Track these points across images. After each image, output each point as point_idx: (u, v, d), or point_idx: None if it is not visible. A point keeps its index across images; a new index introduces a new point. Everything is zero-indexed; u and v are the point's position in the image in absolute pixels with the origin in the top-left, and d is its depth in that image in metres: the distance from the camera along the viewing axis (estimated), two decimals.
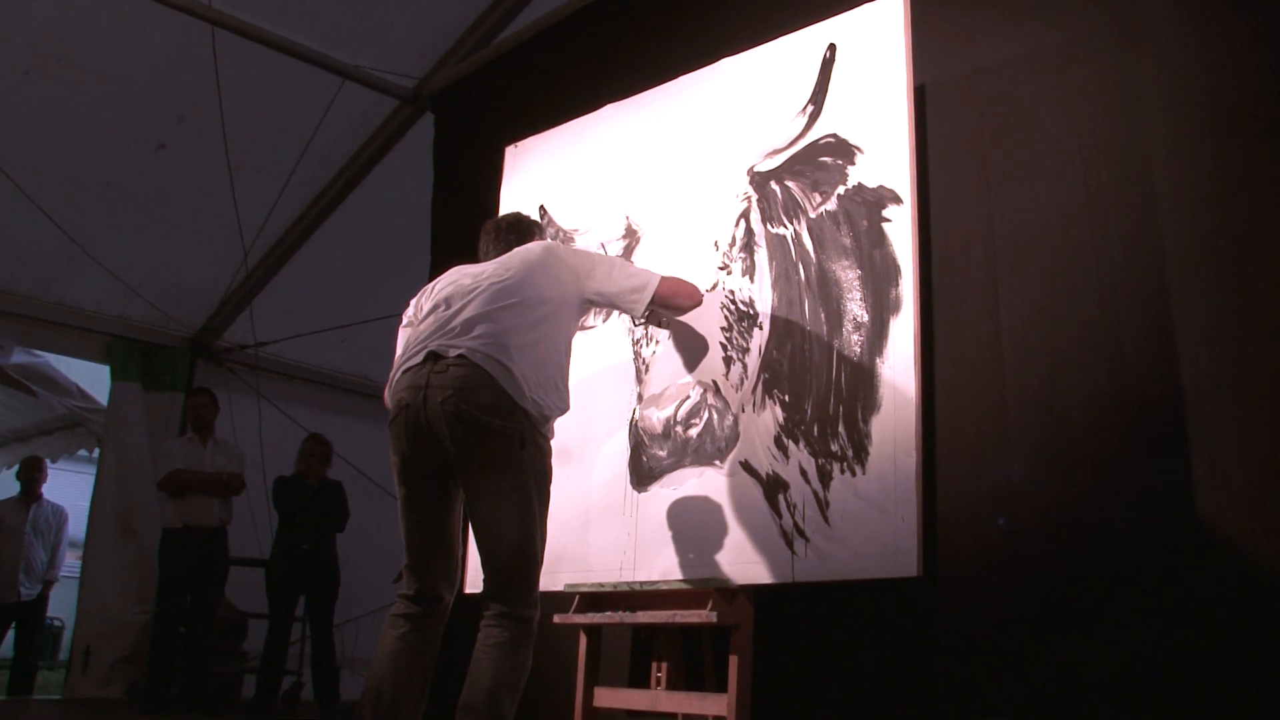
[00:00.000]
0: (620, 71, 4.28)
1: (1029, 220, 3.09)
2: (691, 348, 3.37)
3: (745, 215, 3.37)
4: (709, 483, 3.24)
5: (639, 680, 3.46)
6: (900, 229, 3.00)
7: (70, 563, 7.94)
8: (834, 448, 2.98)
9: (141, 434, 7.26)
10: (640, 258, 3.59)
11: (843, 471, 2.94)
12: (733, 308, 3.31)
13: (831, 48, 3.28)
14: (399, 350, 3.04)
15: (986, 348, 3.08)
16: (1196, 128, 2.83)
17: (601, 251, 3.65)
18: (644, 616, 3.11)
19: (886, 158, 3.07)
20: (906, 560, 2.75)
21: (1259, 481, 2.56)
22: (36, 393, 7.47)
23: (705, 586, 3.02)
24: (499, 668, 2.66)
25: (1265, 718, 2.46)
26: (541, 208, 4.03)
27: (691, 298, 3.27)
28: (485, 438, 2.72)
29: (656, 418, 3.38)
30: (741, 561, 3.07)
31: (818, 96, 3.27)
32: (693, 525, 3.23)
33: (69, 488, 8.91)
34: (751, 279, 3.31)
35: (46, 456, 8.08)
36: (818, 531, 2.95)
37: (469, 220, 3.98)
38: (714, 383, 3.30)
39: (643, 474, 3.40)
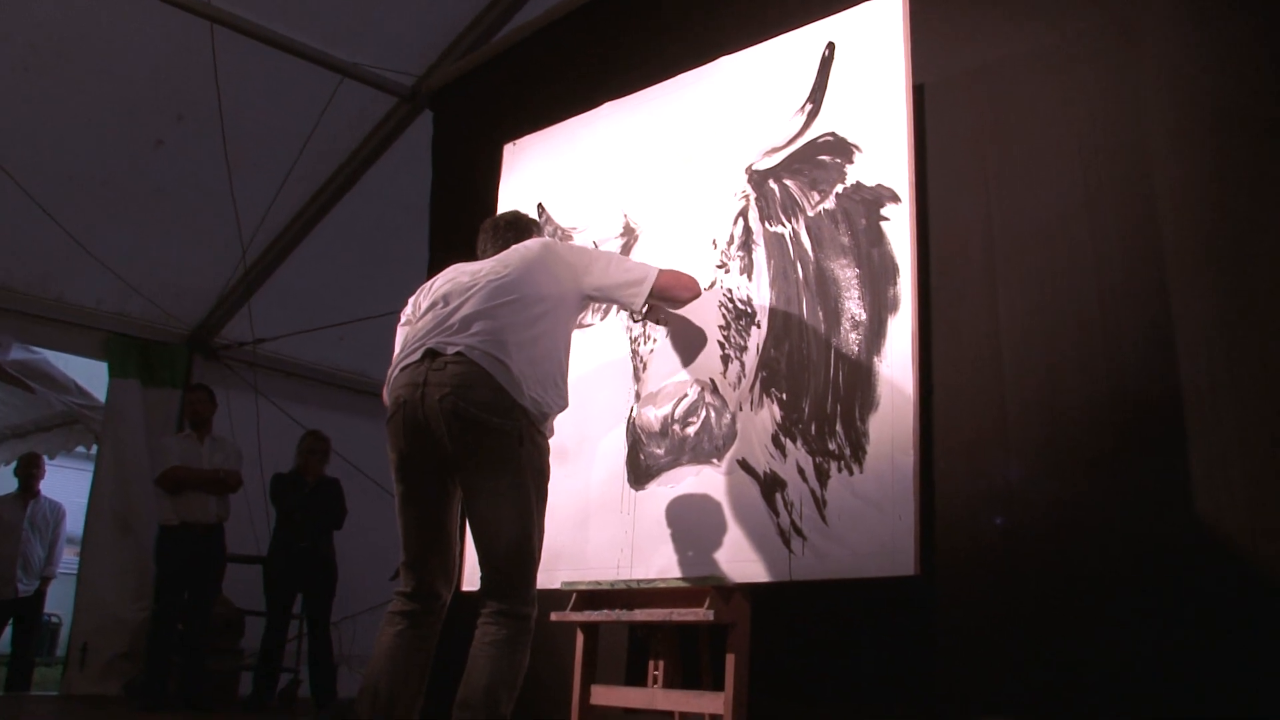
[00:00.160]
0: (619, 70, 4.28)
1: (1028, 219, 3.09)
2: (689, 346, 3.37)
3: (743, 213, 3.36)
4: (706, 481, 3.24)
5: (636, 678, 3.45)
6: (899, 228, 3.00)
7: (68, 559, 7.94)
8: (831, 446, 2.98)
9: (139, 431, 7.26)
10: (638, 256, 3.58)
11: (840, 470, 2.94)
12: (731, 306, 3.31)
13: (830, 46, 3.27)
14: (397, 348, 3.04)
15: (985, 347, 3.08)
16: (1196, 127, 2.83)
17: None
18: (641, 614, 3.11)
19: (885, 156, 3.07)
20: (904, 559, 2.74)
21: (1258, 481, 2.56)
22: (35, 389, 7.48)
23: (702, 585, 3.01)
24: (496, 665, 2.66)
25: (1264, 717, 2.46)
26: (540, 206, 4.02)
27: (690, 289, 3.26)
28: (483, 435, 2.72)
29: (654, 416, 3.37)
30: (739, 560, 3.07)
31: (816, 95, 3.27)
32: (690, 523, 3.23)
33: (67, 484, 8.92)
34: (749, 277, 3.31)
35: (44, 453, 8.09)
36: (815, 530, 2.94)
37: (467, 218, 3.98)
38: (711, 381, 3.29)
39: (640, 472, 3.40)
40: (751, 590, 3.02)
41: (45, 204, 6.12)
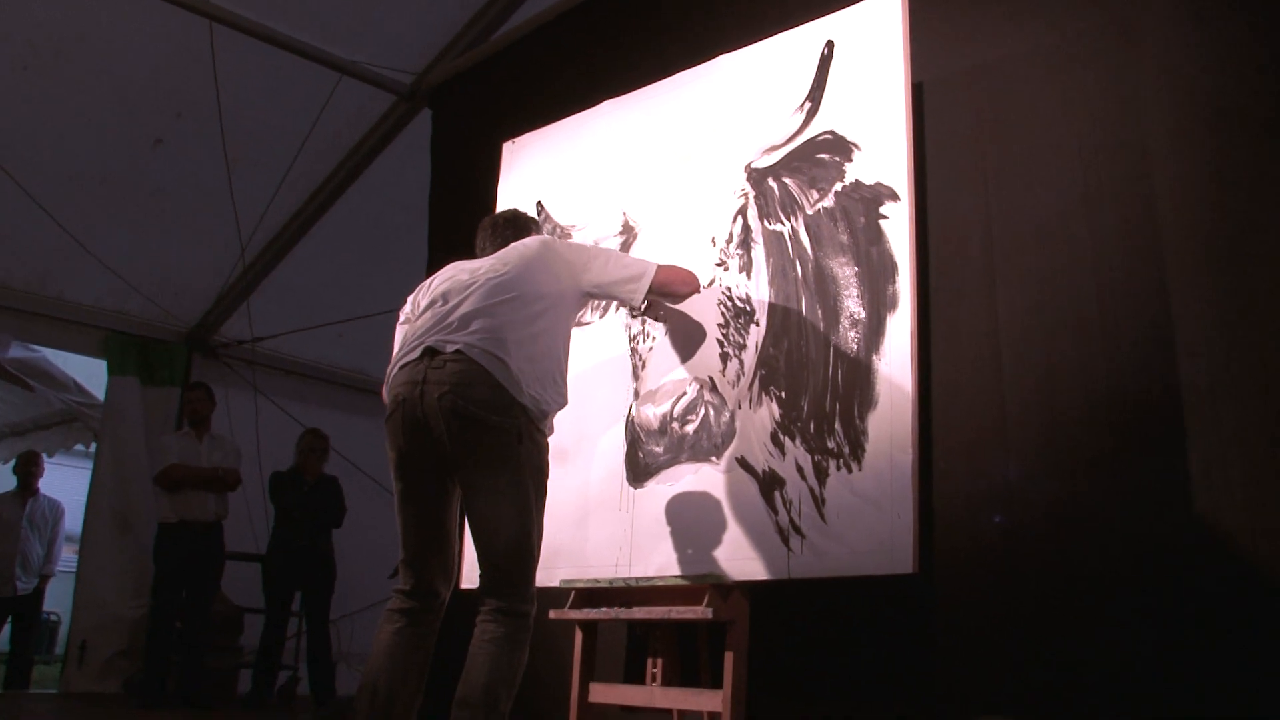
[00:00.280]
0: (618, 68, 4.28)
1: (1027, 218, 3.09)
2: (688, 344, 3.37)
3: (742, 212, 3.36)
4: (705, 479, 3.24)
5: (634, 676, 3.46)
6: (897, 226, 3.00)
7: (67, 557, 7.95)
8: (830, 444, 2.98)
9: (138, 429, 7.26)
10: (637, 254, 3.57)
11: (839, 468, 2.94)
12: (729, 304, 3.31)
13: (829, 44, 3.27)
14: (396, 346, 3.04)
15: (984, 345, 3.08)
16: (1196, 126, 2.83)
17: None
18: (640, 612, 3.11)
19: (884, 155, 3.07)
20: (902, 557, 2.74)
21: (1256, 480, 2.56)
22: (34, 387, 7.49)
23: (701, 583, 3.02)
24: (495, 663, 2.66)
25: (1264, 717, 2.46)
26: (539, 204, 4.02)
27: (689, 284, 3.26)
28: (482, 433, 2.72)
29: (653, 414, 3.37)
30: (737, 558, 3.07)
31: (815, 93, 3.27)
32: (689, 521, 3.23)
33: (66, 482, 8.91)
34: (748, 275, 3.31)
35: (43, 451, 8.10)
36: (813, 528, 2.95)
37: (466, 216, 3.98)
38: (710, 379, 3.29)
39: (639, 470, 3.40)
40: (750, 588, 3.02)
41: (44, 202, 6.12)
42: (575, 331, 3.18)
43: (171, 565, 5.82)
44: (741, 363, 3.25)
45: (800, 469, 3.02)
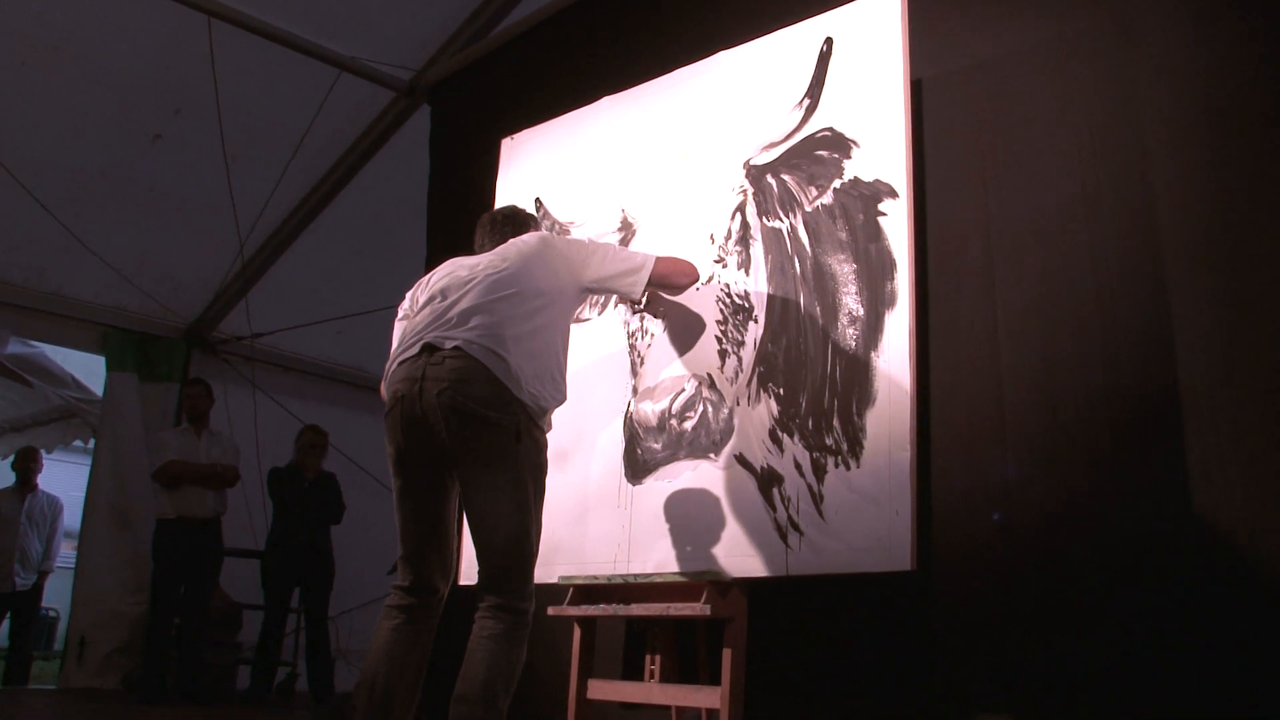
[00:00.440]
0: (617, 64, 4.27)
1: (1025, 216, 3.09)
2: (687, 340, 3.37)
3: (741, 208, 3.36)
4: (703, 476, 3.24)
5: (633, 673, 3.46)
6: (896, 223, 3.00)
7: (65, 553, 7.96)
8: (828, 441, 2.98)
9: (137, 425, 7.26)
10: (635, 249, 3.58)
11: (837, 465, 2.94)
12: (728, 301, 3.31)
13: (828, 41, 3.27)
14: (395, 342, 3.04)
15: (982, 343, 3.08)
16: (1194, 125, 2.83)
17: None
18: (638, 609, 3.11)
19: (883, 152, 3.07)
20: (900, 554, 2.75)
21: (1254, 478, 2.56)
22: (32, 383, 7.49)
23: (699, 579, 3.02)
24: (494, 660, 2.66)
25: (1264, 717, 2.46)
26: (537, 200, 4.02)
27: (688, 275, 3.27)
28: (481, 430, 2.72)
29: (651, 411, 3.38)
30: (735, 555, 3.07)
31: (814, 90, 3.27)
32: (687, 518, 3.24)
33: (64, 478, 8.91)
34: (747, 272, 3.31)
35: (42, 447, 8.10)
36: (812, 525, 2.95)
37: (465, 212, 3.98)
38: (709, 376, 3.29)
39: (637, 467, 3.40)
40: (748, 585, 3.02)
41: (43, 198, 6.12)
42: (574, 328, 3.18)
43: (170, 561, 5.82)
44: (740, 359, 3.25)
45: (799, 466, 3.03)
